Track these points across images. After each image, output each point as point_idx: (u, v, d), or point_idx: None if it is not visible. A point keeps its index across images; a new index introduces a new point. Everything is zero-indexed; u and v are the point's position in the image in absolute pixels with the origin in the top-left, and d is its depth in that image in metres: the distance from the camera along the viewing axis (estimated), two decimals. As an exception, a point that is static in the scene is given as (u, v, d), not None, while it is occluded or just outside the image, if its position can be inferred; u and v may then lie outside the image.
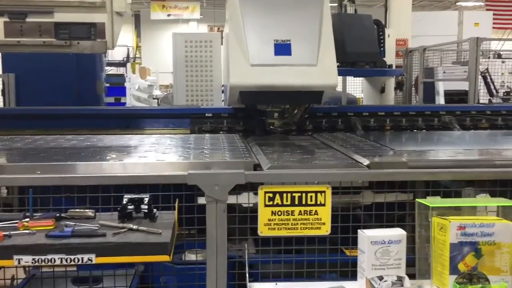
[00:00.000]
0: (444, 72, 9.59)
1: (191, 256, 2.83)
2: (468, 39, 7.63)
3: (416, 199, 2.34)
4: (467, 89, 7.57)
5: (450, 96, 9.52)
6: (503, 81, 10.13)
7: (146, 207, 2.44)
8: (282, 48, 3.67)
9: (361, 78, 9.67)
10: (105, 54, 7.31)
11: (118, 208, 2.42)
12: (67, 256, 2.12)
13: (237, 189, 2.45)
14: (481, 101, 8.39)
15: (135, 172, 2.61)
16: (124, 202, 2.42)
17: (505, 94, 9.98)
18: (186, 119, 4.57)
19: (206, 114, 4.57)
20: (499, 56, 10.40)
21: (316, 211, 2.37)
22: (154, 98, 13.64)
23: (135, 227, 2.30)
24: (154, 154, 3.02)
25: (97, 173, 2.47)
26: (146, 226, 2.32)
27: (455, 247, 2.17)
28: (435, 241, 2.24)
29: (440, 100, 9.71)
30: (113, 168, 2.65)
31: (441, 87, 9.77)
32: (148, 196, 2.44)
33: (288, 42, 3.67)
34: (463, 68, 8.63)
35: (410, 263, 2.31)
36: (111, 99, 11.85)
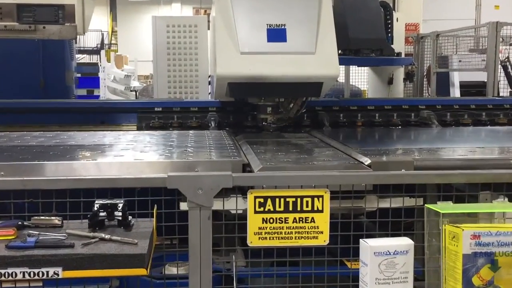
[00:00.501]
0: (460, 61, 9.63)
1: (171, 270, 2.83)
2: (486, 24, 7.67)
3: (425, 205, 2.35)
4: (485, 80, 7.60)
5: (467, 88, 9.56)
6: (526, 71, 10.18)
7: (120, 214, 2.42)
8: (276, 34, 3.68)
9: (366, 68, 9.69)
10: (75, 40, 7.28)
11: (89, 215, 2.41)
12: (30, 270, 2.11)
13: (224, 194, 2.46)
14: (501, 94, 8.43)
15: (110, 173, 2.64)
16: (95, 208, 2.41)
17: (528, 85, 10.03)
18: (169, 113, 4.57)
19: (191, 108, 4.62)
20: (522, 43, 10.45)
21: (313, 218, 2.37)
22: (131, 90, 13.62)
23: (107, 236, 2.29)
24: (132, 153, 3.04)
25: (66, 175, 2.47)
26: (120, 235, 2.31)
27: (468, 258, 2.19)
28: (447, 251, 2.25)
29: (455, 92, 9.76)
30: (85, 168, 2.67)
31: (456, 78, 9.82)
32: (122, 201, 2.43)
33: (282, 27, 3.68)
34: (481, 56, 8.67)
35: (418, 276, 2.32)
36: (82, 92, 11.82)
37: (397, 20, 6.51)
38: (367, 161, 2.82)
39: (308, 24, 3.69)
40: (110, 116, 4.67)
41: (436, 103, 4.97)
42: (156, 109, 4.61)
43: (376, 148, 3.22)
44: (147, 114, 4.58)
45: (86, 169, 2.69)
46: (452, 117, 4.85)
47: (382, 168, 2.73)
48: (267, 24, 3.66)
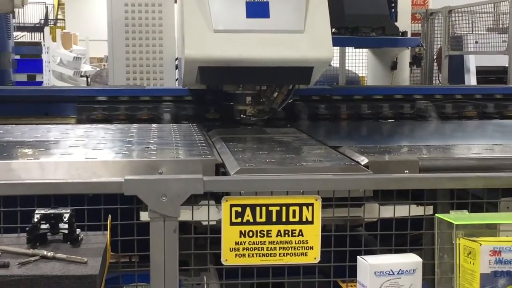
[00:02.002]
0: (476, 42, 9.73)
1: (130, 294, 2.81)
2: (508, -2, 7.74)
3: (436, 214, 2.36)
4: (507, 65, 7.68)
5: (484, 74, 9.66)
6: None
7: (66, 226, 2.40)
8: (257, 9, 3.67)
9: (365, 50, 9.73)
10: (12, 14, 7.21)
11: (27, 228, 2.38)
12: (-46, 296, 2.08)
13: (193, 201, 2.44)
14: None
15: (56, 176, 2.66)
16: (35, 220, 2.37)
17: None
18: (124, 104, 4.56)
19: (162, 98, 4.63)
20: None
21: (301, 231, 2.37)
22: (82, 76, 13.55)
23: (50, 254, 2.26)
24: (83, 151, 3.04)
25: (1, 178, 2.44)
26: (66, 252, 2.29)
27: (487, 278, 2.20)
28: (461, 270, 2.26)
29: (471, 79, 9.85)
30: (25, 169, 2.68)
31: (472, 62, 9.91)
32: (69, 211, 2.41)
33: (265, 0, 3.67)
34: (501, 37, 8.75)
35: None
36: (22, 77, 11.74)
37: (402, -7, 6.55)
38: (363, 160, 2.84)
39: (295, -3, 3.69)
40: (55, 106, 4.64)
41: (450, 92, 5.01)
42: (99, 98, 4.66)
43: (375, 145, 3.25)
44: (89, 104, 4.58)
45: (27, 170, 2.69)
46: (474, 109, 4.86)
47: (381, 168, 2.75)
48: (246, -4, 3.66)
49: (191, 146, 3.18)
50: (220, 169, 2.83)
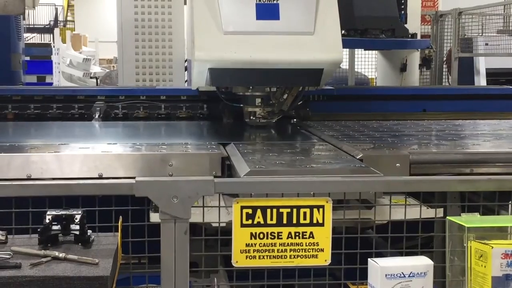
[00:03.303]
0: (487, 44, 9.71)
1: (140, 295, 2.82)
2: (518, 0, 7.71)
3: (447, 217, 2.35)
4: (517, 67, 7.65)
5: (494, 76, 9.62)
6: None
7: (77, 227, 2.41)
8: (267, 10, 3.67)
9: (374, 52, 9.73)
10: (23, 16, 7.24)
11: (39, 229, 2.39)
12: (-33, 296, 2.10)
13: (204, 203, 2.44)
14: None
15: (72, 168, 2.88)
16: (47, 221, 2.39)
17: None
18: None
19: (161, 97, 4.76)
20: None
21: (311, 233, 2.36)
22: (91, 77, 13.58)
23: (62, 255, 2.27)
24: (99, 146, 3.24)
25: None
26: (77, 253, 2.30)
27: (499, 281, 2.18)
28: (473, 273, 2.25)
29: (481, 81, 9.82)
30: (43, 161, 2.89)
31: (482, 64, 9.88)
32: (80, 212, 2.42)
33: (275, 2, 3.67)
34: (511, 39, 8.72)
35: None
36: (32, 78, 11.78)
37: (412, -5, 6.53)
38: (358, 154, 3.00)
39: (306, -1, 3.69)
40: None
41: (462, 92, 5.11)
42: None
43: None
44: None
45: (45, 162, 2.87)
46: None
47: (374, 162, 2.92)
48: (257, -2, 3.66)
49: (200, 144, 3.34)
50: (225, 162, 2.99)
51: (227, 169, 3.03)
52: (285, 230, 2.35)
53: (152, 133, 4.15)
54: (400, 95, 5.22)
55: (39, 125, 4.37)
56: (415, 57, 8.57)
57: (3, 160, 2.89)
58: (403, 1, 5.57)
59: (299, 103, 4.16)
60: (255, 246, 2.35)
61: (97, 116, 4.54)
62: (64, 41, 14.16)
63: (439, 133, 3.99)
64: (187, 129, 4.32)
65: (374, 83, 10.37)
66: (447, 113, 4.94)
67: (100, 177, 2.91)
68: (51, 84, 12.47)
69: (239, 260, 2.36)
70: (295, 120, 4.53)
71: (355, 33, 5.16)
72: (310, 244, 2.37)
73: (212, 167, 3.00)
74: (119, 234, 2.40)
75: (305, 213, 2.35)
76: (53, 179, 2.89)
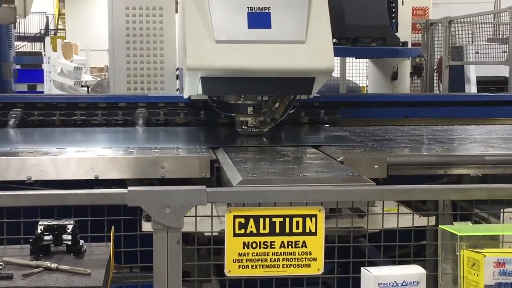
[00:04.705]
0: (477, 53, 9.75)
1: (132, 305, 2.81)
2: (508, 8, 7.75)
3: (439, 225, 2.35)
4: (507, 75, 7.69)
5: (485, 84, 9.67)
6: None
7: (69, 237, 2.40)
8: (259, 19, 3.67)
9: (365, 61, 9.75)
10: (14, 24, 7.23)
11: (30, 239, 2.38)
12: (-43, 308, 2.08)
13: (196, 212, 2.44)
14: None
15: (68, 171, 3.01)
16: (39, 231, 2.38)
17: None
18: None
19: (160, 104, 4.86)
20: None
21: (304, 242, 2.36)
22: (83, 86, 13.55)
23: (54, 265, 2.27)
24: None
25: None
26: (69, 264, 2.29)
27: (491, 290, 2.19)
28: (465, 282, 2.25)
29: (472, 89, 9.86)
30: (40, 163, 3.00)
31: (472, 73, 9.93)
32: (72, 222, 2.41)
33: (266, 11, 3.67)
34: (501, 47, 8.77)
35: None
36: (23, 87, 11.74)
37: (402, 4, 6.57)
38: (339, 157, 3.15)
39: (297, 8, 3.69)
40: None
41: (452, 99, 5.14)
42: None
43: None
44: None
45: (43, 164, 3.00)
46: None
47: (354, 164, 3.07)
48: (248, 7, 3.66)
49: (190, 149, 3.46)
50: (214, 165, 3.12)
51: (216, 171, 3.14)
52: (277, 239, 2.35)
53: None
54: (383, 101, 5.30)
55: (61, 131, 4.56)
56: (406, 66, 8.60)
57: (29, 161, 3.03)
58: (394, 10, 5.59)
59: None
60: (247, 255, 2.35)
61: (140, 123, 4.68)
62: (55, 49, 14.12)
63: (418, 138, 4.09)
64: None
65: (366, 91, 10.39)
66: (428, 118, 5.02)
67: (97, 179, 3.04)
68: (41, 93, 12.42)
69: (231, 270, 2.35)
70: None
71: (347, 42, 5.18)
72: (303, 253, 2.37)
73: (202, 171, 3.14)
74: (111, 244, 2.39)
75: (297, 222, 2.35)
76: (53, 180, 3.02)
